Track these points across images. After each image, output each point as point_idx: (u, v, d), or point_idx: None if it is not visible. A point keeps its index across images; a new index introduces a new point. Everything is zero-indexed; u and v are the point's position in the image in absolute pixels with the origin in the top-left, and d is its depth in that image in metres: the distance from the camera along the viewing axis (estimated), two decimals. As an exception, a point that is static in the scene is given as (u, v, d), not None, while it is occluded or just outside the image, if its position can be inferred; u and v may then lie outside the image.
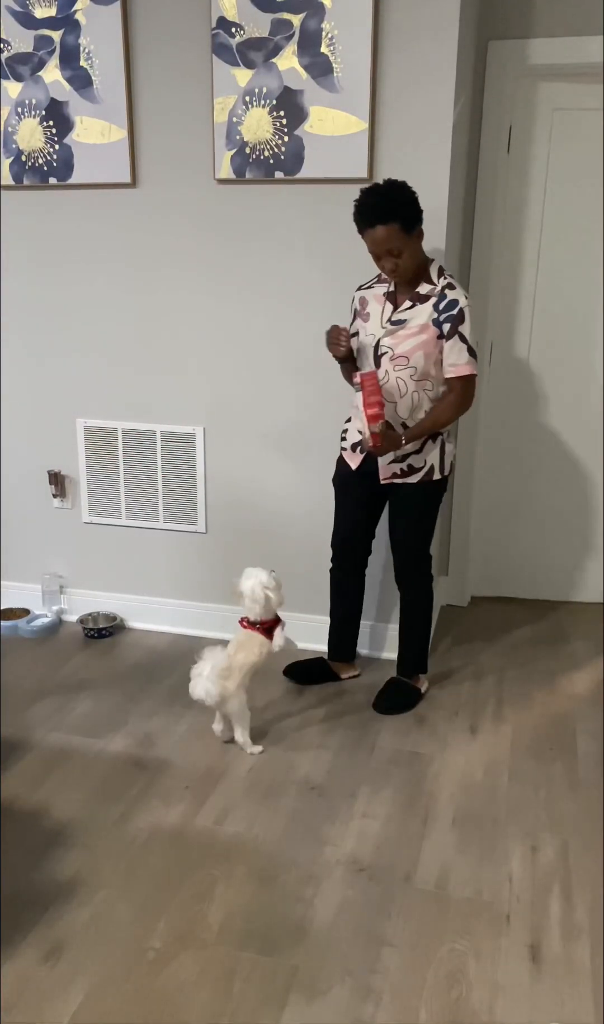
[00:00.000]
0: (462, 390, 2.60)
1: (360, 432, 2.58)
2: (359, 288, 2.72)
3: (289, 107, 2.76)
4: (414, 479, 2.67)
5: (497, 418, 3.57)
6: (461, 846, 2.24)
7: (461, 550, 3.68)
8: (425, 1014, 1.75)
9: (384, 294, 2.63)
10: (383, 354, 2.60)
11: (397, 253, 2.48)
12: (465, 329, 2.52)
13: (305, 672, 3.05)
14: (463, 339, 2.53)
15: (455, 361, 2.55)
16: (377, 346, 2.61)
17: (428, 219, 2.77)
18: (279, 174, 2.84)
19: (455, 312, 2.51)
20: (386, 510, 2.83)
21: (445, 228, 2.80)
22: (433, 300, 2.54)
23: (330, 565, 3.00)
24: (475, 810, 2.38)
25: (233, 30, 2.74)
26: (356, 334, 2.70)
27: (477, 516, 3.69)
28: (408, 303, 2.57)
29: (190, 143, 2.91)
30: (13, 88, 2.98)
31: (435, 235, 2.79)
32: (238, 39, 2.74)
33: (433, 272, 2.58)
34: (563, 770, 2.57)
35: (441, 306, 2.52)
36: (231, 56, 2.77)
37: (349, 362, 2.71)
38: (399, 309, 2.59)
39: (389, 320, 2.59)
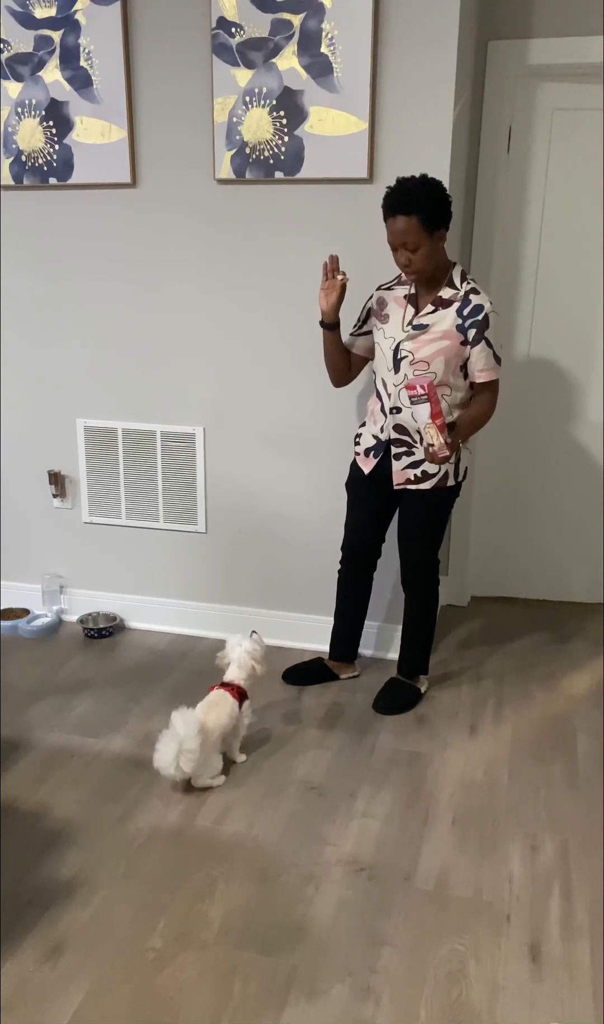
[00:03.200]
0: (492, 394, 2.60)
1: (429, 445, 2.46)
2: (379, 288, 2.70)
3: (289, 107, 2.76)
4: (427, 485, 2.67)
5: (497, 418, 3.56)
6: (461, 846, 2.24)
7: (461, 550, 3.68)
8: (425, 1014, 1.75)
9: (405, 296, 2.61)
10: (403, 358, 2.58)
11: (413, 248, 2.45)
12: (491, 335, 2.51)
13: (304, 674, 3.05)
14: (489, 344, 2.52)
15: (484, 367, 2.54)
16: (397, 350, 2.59)
17: (428, 219, 2.78)
18: (279, 174, 2.84)
19: (480, 318, 2.49)
20: (397, 514, 2.82)
21: (445, 228, 2.80)
22: (457, 305, 2.52)
23: (336, 565, 3.00)
24: (475, 810, 2.38)
25: (233, 30, 2.74)
26: (366, 334, 2.70)
27: (477, 516, 3.69)
28: (431, 307, 2.55)
29: (190, 143, 2.91)
30: (13, 88, 2.98)
31: (435, 235, 2.80)
32: (238, 39, 2.75)
33: (456, 276, 2.56)
34: (563, 770, 2.57)
35: (466, 312, 2.50)
36: (231, 56, 2.77)
37: (335, 329, 2.64)
38: (421, 313, 2.56)
39: (410, 324, 2.57)
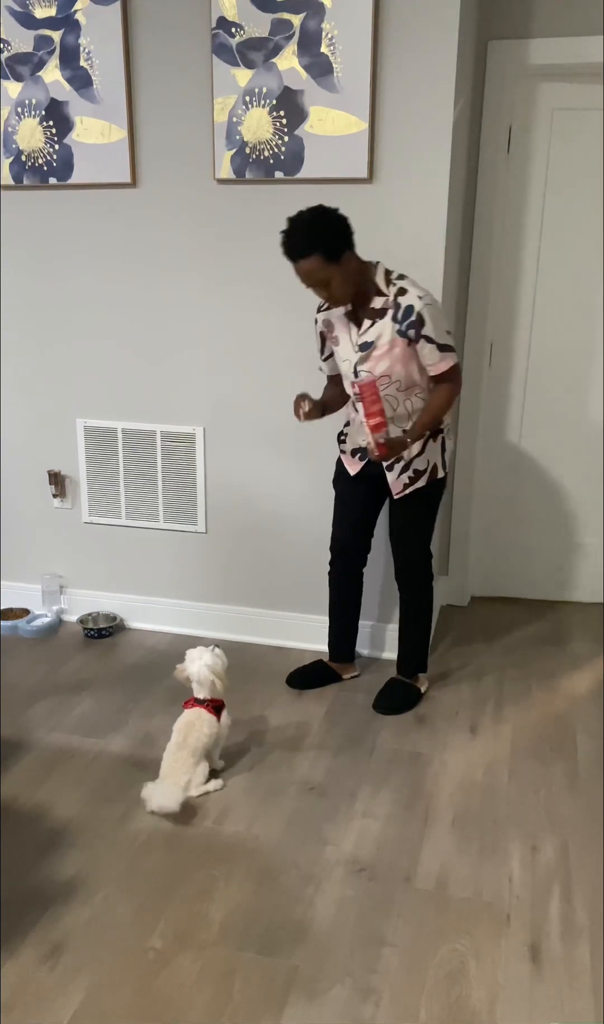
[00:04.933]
0: (449, 382, 2.56)
1: (364, 442, 2.53)
2: (319, 309, 2.66)
3: (289, 107, 2.76)
4: (423, 482, 2.67)
5: (497, 418, 3.58)
6: (461, 846, 2.24)
7: (461, 550, 3.68)
8: (425, 1014, 1.75)
9: (345, 315, 2.58)
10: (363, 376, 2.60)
11: (325, 284, 2.43)
12: (429, 330, 2.46)
13: (306, 677, 3.05)
14: (430, 340, 2.47)
15: (432, 361, 2.51)
16: (356, 371, 2.58)
17: (428, 219, 2.79)
18: (279, 174, 2.83)
19: (414, 318, 2.45)
20: (386, 509, 2.83)
21: (445, 228, 2.79)
22: (391, 312, 2.48)
23: (328, 568, 3.00)
24: (475, 810, 2.38)
25: (233, 30, 2.74)
26: (331, 356, 2.69)
27: (477, 516, 3.69)
28: (368, 322, 2.53)
29: (190, 143, 2.91)
30: (13, 88, 2.98)
31: (434, 235, 2.80)
32: (238, 39, 2.74)
33: (381, 281, 2.50)
34: (563, 770, 2.57)
35: (400, 316, 2.47)
36: (231, 56, 2.76)
37: (319, 415, 2.67)
38: (362, 331, 2.55)
39: (358, 345, 2.57)
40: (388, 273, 2.51)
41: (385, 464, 2.66)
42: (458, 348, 3.40)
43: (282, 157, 2.81)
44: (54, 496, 3.44)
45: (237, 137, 2.83)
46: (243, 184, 2.90)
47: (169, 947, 1.91)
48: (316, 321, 2.68)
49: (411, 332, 2.47)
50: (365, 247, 2.84)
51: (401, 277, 2.50)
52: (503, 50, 3.07)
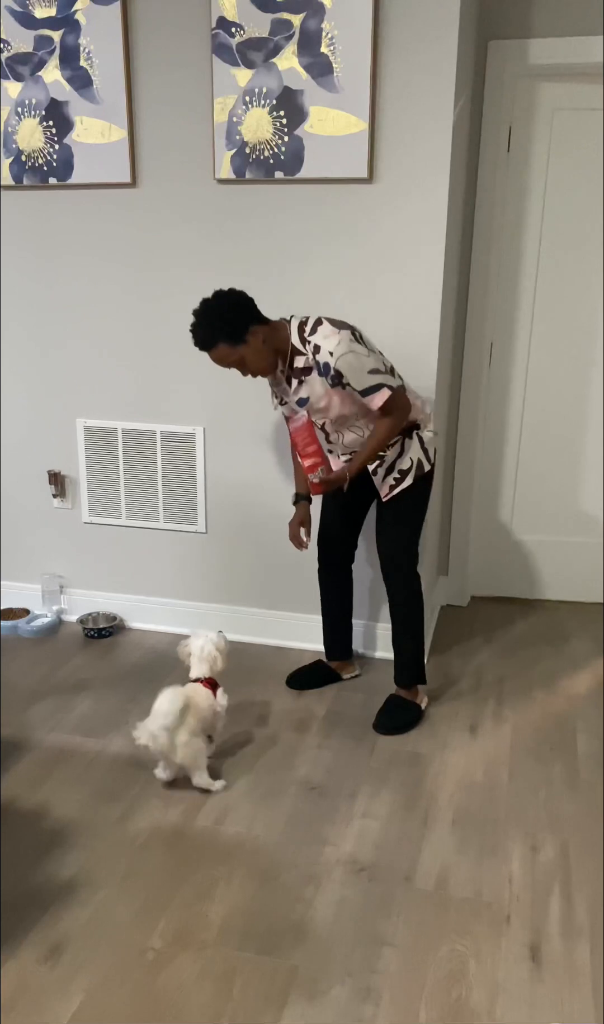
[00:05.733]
0: (389, 413, 2.51)
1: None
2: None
3: (289, 107, 2.76)
4: (410, 480, 2.65)
5: (497, 418, 3.58)
6: (461, 846, 2.24)
7: (461, 550, 3.68)
8: (425, 1014, 1.75)
9: (280, 372, 2.58)
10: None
11: (240, 364, 2.46)
12: (349, 380, 2.43)
13: (307, 678, 3.04)
14: (354, 389, 2.46)
15: (366, 399, 2.49)
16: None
17: (427, 220, 2.79)
18: (279, 174, 2.83)
19: (333, 372, 2.43)
20: (374, 507, 2.81)
21: (445, 228, 2.79)
22: (315, 369, 2.48)
23: (318, 566, 2.99)
24: (475, 810, 2.38)
25: (233, 30, 2.74)
26: (283, 402, 2.68)
27: (477, 516, 3.69)
28: (296, 382, 2.55)
29: (190, 143, 2.91)
30: (13, 88, 2.98)
31: (434, 236, 2.80)
32: (238, 39, 2.74)
33: (296, 341, 2.48)
34: (563, 770, 2.57)
35: (322, 371, 2.46)
36: (231, 56, 2.76)
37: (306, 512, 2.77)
38: (293, 390, 2.57)
39: (297, 401, 2.59)
40: (302, 328, 2.48)
41: (370, 468, 2.65)
42: (458, 348, 3.41)
43: (282, 157, 2.81)
44: (54, 496, 3.44)
45: (237, 137, 2.83)
46: (243, 184, 2.90)
47: (169, 947, 1.91)
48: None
49: (337, 380, 2.46)
50: (365, 247, 2.85)
51: (315, 328, 2.46)
52: (503, 50, 3.07)
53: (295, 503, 2.81)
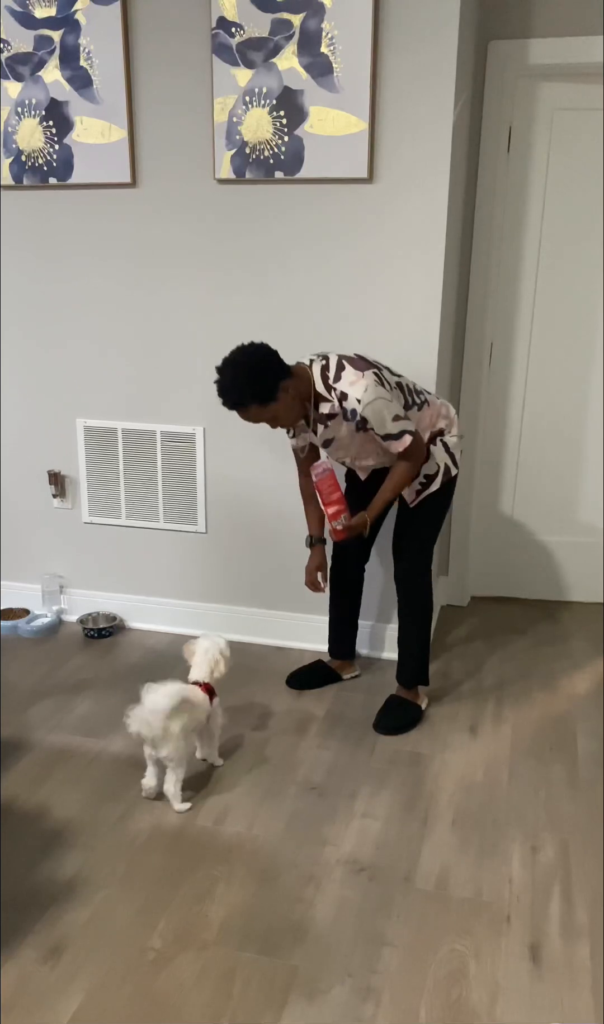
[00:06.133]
0: (407, 458, 2.52)
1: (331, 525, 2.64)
2: None
3: (289, 107, 2.76)
4: (437, 485, 2.66)
5: (497, 418, 3.58)
6: (461, 846, 2.24)
7: (461, 550, 3.68)
8: (425, 1014, 1.75)
9: (305, 419, 2.59)
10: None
11: (271, 420, 2.45)
12: (374, 426, 2.44)
13: (307, 678, 3.04)
14: (378, 435, 2.46)
15: (385, 444, 2.49)
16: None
17: (427, 220, 2.79)
18: (279, 174, 2.83)
19: (359, 419, 2.43)
20: (394, 510, 2.81)
21: (445, 228, 2.79)
22: (339, 414, 2.48)
23: (330, 563, 3.00)
24: (475, 810, 2.38)
25: (233, 30, 2.74)
26: (294, 435, 2.69)
27: (477, 516, 3.69)
28: (321, 427, 2.55)
29: (190, 143, 2.91)
30: (13, 88, 2.98)
31: (434, 236, 2.80)
32: (238, 39, 2.74)
33: (321, 388, 2.46)
34: (563, 770, 2.57)
35: (348, 417, 2.45)
36: (231, 56, 2.76)
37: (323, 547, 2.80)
38: (319, 435, 2.58)
39: (321, 442, 2.60)
40: (325, 374, 2.46)
41: None
42: (458, 348, 3.41)
43: (282, 157, 2.81)
44: (54, 496, 3.44)
45: (237, 137, 2.83)
46: (243, 184, 2.90)
47: (169, 947, 1.91)
48: None
49: (361, 427, 2.47)
50: (365, 247, 2.85)
51: (339, 374, 2.44)
52: (503, 50, 3.07)
53: (310, 545, 2.81)
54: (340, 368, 2.46)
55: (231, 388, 2.38)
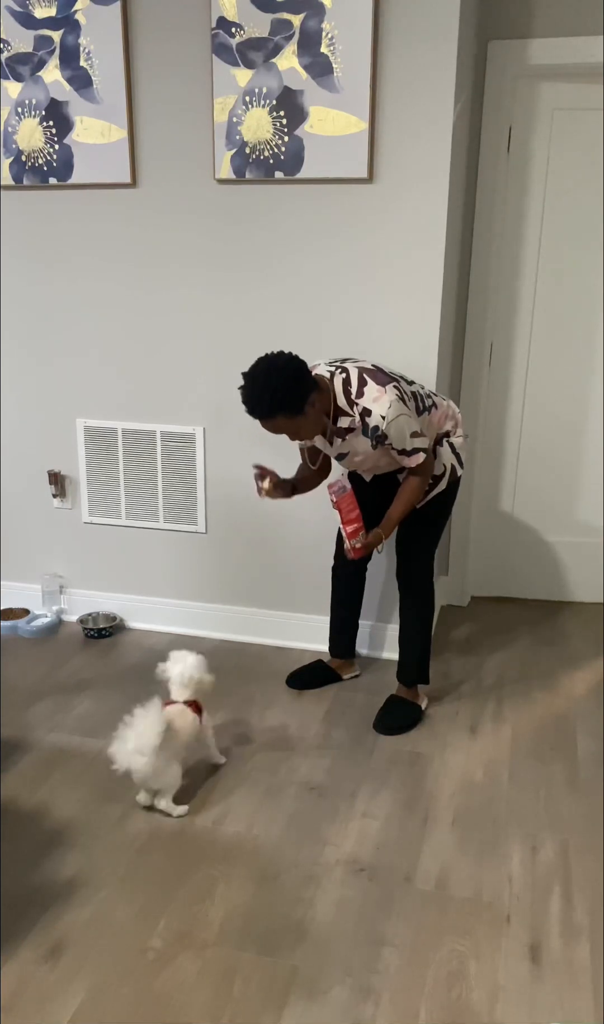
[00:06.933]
0: (418, 474, 2.53)
1: (342, 538, 2.62)
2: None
3: (289, 107, 2.76)
4: (443, 485, 2.66)
5: (496, 418, 3.58)
6: (461, 846, 2.24)
7: (461, 550, 3.68)
8: (425, 1014, 1.75)
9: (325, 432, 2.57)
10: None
11: (294, 432, 2.42)
12: (393, 441, 2.43)
13: (307, 678, 3.04)
14: (394, 449, 2.46)
15: (400, 459, 2.50)
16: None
17: (427, 220, 2.79)
18: (279, 174, 2.84)
19: (379, 434, 2.42)
20: None
21: (445, 228, 2.79)
22: (359, 428, 2.46)
23: (331, 563, 3.00)
24: (475, 810, 2.38)
25: (233, 30, 2.74)
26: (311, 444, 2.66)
27: (477, 516, 3.69)
28: (339, 440, 2.53)
29: (190, 143, 2.91)
30: (13, 88, 2.98)
31: (434, 236, 2.80)
32: (238, 39, 2.74)
33: (342, 401, 2.44)
34: (563, 770, 2.57)
35: (368, 433, 2.44)
36: (231, 56, 2.76)
37: (287, 495, 2.67)
38: (335, 446, 2.56)
39: (335, 456, 2.60)
40: (347, 388, 2.43)
41: (401, 477, 2.65)
42: (458, 348, 3.41)
43: (282, 157, 2.81)
44: (54, 496, 3.44)
45: (237, 137, 2.83)
46: (243, 184, 2.90)
47: (169, 947, 1.91)
48: None
49: (380, 442, 2.46)
50: (365, 247, 2.85)
51: (361, 390, 2.41)
52: (503, 50, 3.07)
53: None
54: (362, 383, 2.43)
55: (262, 397, 2.33)
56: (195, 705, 2.42)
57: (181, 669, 2.41)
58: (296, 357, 2.37)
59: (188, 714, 2.38)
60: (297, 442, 2.68)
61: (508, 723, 2.82)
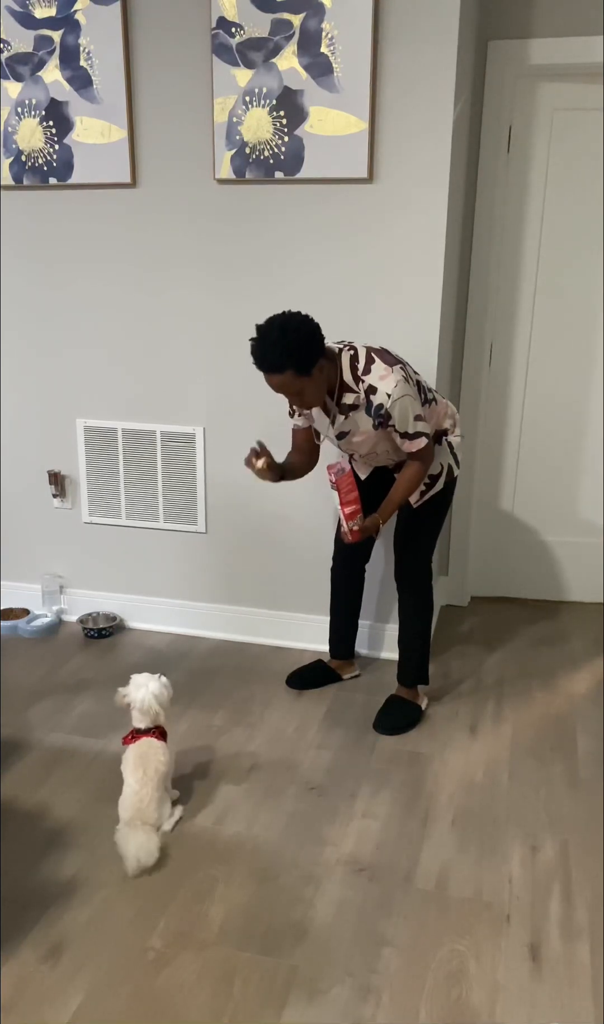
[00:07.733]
0: (418, 460, 2.52)
1: (340, 524, 2.60)
2: (290, 415, 2.68)
3: (289, 107, 2.76)
4: (440, 485, 2.66)
5: (497, 418, 3.58)
6: (461, 846, 2.24)
7: (461, 550, 3.68)
8: (425, 1014, 1.75)
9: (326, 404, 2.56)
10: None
11: (298, 394, 2.40)
12: (396, 423, 2.43)
13: (307, 678, 3.04)
14: (397, 431, 2.46)
15: (401, 442, 2.49)
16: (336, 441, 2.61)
17: (427, 220, 2.79)
18: (279, 174, 2.83)
19: (382, 413, 2.42)
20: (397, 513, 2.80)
21: (445, 228, 2.80)
22: (363, 406, 2.45)
23: (330, 563, 3.00)
24: (475, 810, 2.38)
25: (233, 30, 2.74)
26: (299, 414, 2.65)
27: (477, 516, 3.69)
28: (341, 417, 2.51)
29: (190, 143, 2.91)
30: (13, 88, 2.98)
31: (434, 236, 2.80)
32: (238, 39, 2.74)
33: (349, 378, 2.43)
34: (563, 770, 2.57)
35: (372, 412, 2.44)
36: (231, 56, 2.76)
37: (276, 478, 2.64)
38: (337, 425, 2.54)
39: (336, 434, 2.58)
40: (354, 365, 2.43)
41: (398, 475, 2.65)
42: (458, 348, 3.41)
43: (282, 157, 2.81)
44: (54, 496, 3.44)
45: (237, 137, 2.83)
46: (243, 184, 2.90)
47: (169, 947, 1.91)
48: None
49: (381, 420, 2.46)
50: (365, 247, 2.85)
51: (369, 367, 2.41)
52: (503, 50, 3.07)
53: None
54: (369, 361, 2.43)
55: (274, 349, 2.30)
56: (159, 731, 2.32)
57: (143, 695, 2.30)
58: (311, 318, 2.36)
59: (155, 748, 2.27)
60: (291, 427, 2.69)
61: (508, 723, 2.82)
